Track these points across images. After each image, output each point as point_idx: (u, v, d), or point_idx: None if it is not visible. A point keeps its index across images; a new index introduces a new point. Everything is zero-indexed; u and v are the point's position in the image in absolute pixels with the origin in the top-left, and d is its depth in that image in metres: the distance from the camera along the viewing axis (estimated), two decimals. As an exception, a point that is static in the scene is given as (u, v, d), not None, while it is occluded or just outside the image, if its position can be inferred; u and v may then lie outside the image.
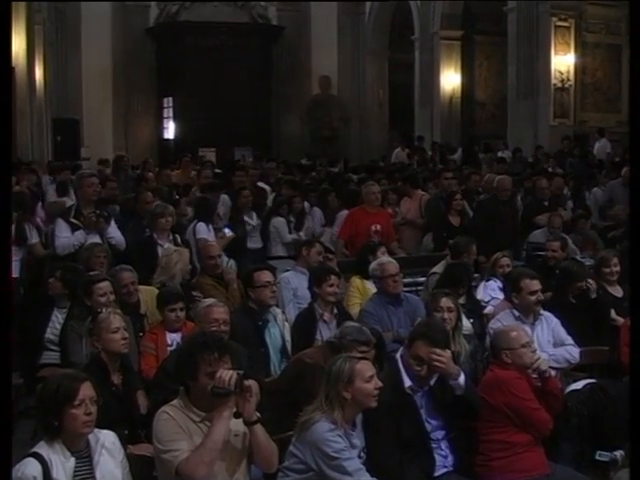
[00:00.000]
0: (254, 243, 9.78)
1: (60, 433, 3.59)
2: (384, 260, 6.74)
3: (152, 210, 8.26)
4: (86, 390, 3.61)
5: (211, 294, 6.72)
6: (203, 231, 8.67)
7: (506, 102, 19.59)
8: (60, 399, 3.56)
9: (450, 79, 21.87)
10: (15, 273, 7.91)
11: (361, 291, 7.23)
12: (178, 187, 11.91)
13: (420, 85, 22.19)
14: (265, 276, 6.21)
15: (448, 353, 4.62)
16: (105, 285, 5.97)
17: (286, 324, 6.34)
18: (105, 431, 3.81)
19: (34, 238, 8.10)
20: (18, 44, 16.59)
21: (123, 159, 14.09)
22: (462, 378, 4.61)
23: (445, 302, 5.72)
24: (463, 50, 22.13)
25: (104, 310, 5.26)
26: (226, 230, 9.23)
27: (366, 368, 4.28)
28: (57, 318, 6.31)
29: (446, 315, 5.65)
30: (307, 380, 5.04)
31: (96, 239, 7.60)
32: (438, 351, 4.53)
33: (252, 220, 9.81)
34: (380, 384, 4.28)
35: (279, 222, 9.91)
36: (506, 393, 4.70)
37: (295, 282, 7.27)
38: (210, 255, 7.32)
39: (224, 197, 10.34)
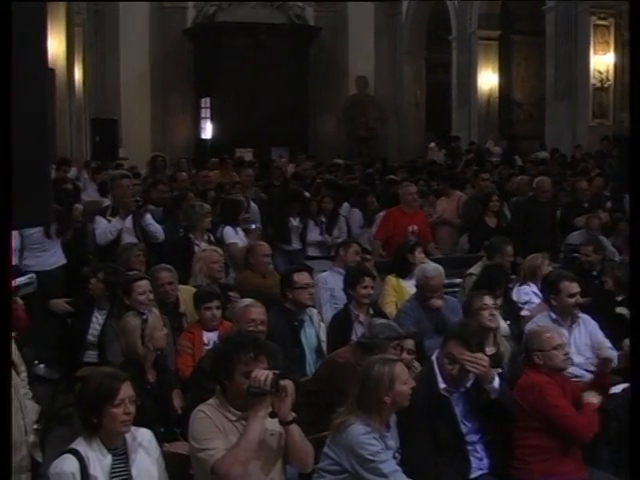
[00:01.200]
0: (294, 244, 9.75)
1: (98, 430, 3.62)
2: (429, 274, 6.48)
3: (190, 210, 8.31)
4: (126, 390, 3.64)
5: (256, 282, 6.87)
6: (231, 235, 8.65)
7: (544, 102, 19.44)
8: (101, 398, 3.59)
9: (488, 79, 21.75)
10: (61, 261, 8.03)
11: (396, 290, 7.20)
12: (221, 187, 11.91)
13: (457, 85, 22.09)
14: (304, 277, 6.21)
15: (483, 356, 4.59)
16: (144, 284, 5.99)
17: (322, 324, 6.34)
18: (142, 429, 3.84)
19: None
20: (57, 45, 16.76)
21: (158, 159, 14.18)
22: (497, 381, 4.58)
23: (489, 300, 5.67)
24: (501, 50, 21.99)
25: (147, 311, 5.29)
26: (253, 226, 9.22)
27: (403, 370, 4.28)
28: (97, 319, 6.35)
29: (493, 313, 5.61)
30: (339, 380, 5.04)
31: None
32: (474, 354, 4.50)
33: (295, 221, 9.74)
34: (414, 384, 4.27)
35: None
36: (537, 398, 4.66)
37: (332, 282, 7.26)
38: (265, 254, 7.39)
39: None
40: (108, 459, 3.62)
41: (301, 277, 6.19)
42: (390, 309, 6.86)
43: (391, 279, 7.31)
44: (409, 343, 5.34)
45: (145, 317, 5.03)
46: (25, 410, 3.80)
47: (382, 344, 4.98)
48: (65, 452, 3.59)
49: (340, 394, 4.87)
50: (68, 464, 3.52)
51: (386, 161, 18.71)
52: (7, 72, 2.45)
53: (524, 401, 4.69)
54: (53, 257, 7.89)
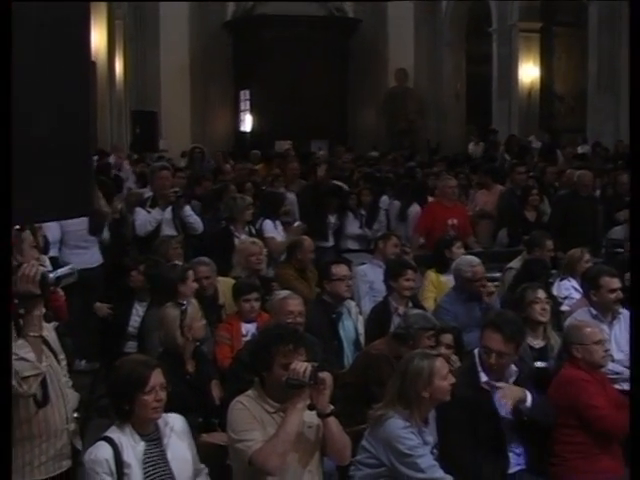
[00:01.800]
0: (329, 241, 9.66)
1: (131, 417, 3.65)
2: (475, 262, 6.52)
3: (232, 202, 8.34)
4: (157, 377, 3.66)
5: (293, 285, 6.83)
6: (269, 229, 8.66)
7: (586, 95, 19.19)
8: (132, 385, 3.62)
9: (529, 72, 21.53)
10: (99, 260, 8.13)
11: (435, 285, 7.18)
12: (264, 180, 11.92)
13: (498, 78, 21.88)
14: (342, 269, 6.23)
15: (512, 388, 4.54)
16: (191, 274, 6.06)
17: (360, 317, 6.34)
18: (173, 415, 3.86)
19: (106, 233, 8.30)
20: (99, 39, 16.92)
21: (196, 151, 14.24)
22: (529, 400, 4.54)
23: (542, 294, 5.62)
24: (542, 42, 21.74)
25: (186, 301, 5.33)
26: (297, 223, 9.22)
27: (443, 365, 4.26)
28: (137, 311, 6.41)
29: (544, 307, 5.57)
30: (374, 372, 5.06)
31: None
32: (502, 386, 4.45)
33: (332, 217, 9.65)
34: (453, 380, 4.25)
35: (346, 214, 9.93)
36: (574, 395, 4.61)
37: (371, 275, 7.26)
38: (311, 250, 7.45)
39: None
40: (141, 445, 3.65)
41: (339, 269, 6.20)
42: (429, 304, 6.84)
43: (431, 274, 7.29)
44: (447, 338, 5.32)
45: (184, 308, 5.06)
46: (66, 398, 3.85)
47: (416, 334, 4.99)
48: (99, 440, 3.63)
49: (375, 386, 4.90)
50: (102, 451, 3.56)
51: (433, 151, 18.33)
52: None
53: (561, 397, 4.65)
54: (93, 256, 7.99)
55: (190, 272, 6.06)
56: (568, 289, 6.97)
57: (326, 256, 8.90)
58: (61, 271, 3.50)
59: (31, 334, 3.42)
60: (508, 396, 4.46)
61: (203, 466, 3.93)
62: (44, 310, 3.52)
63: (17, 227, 3.65)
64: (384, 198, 10.59)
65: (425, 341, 5.05)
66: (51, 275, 3.39)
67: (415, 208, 9.88)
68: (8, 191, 2.53)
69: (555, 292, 6.97)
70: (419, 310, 5.47)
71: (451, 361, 4.96)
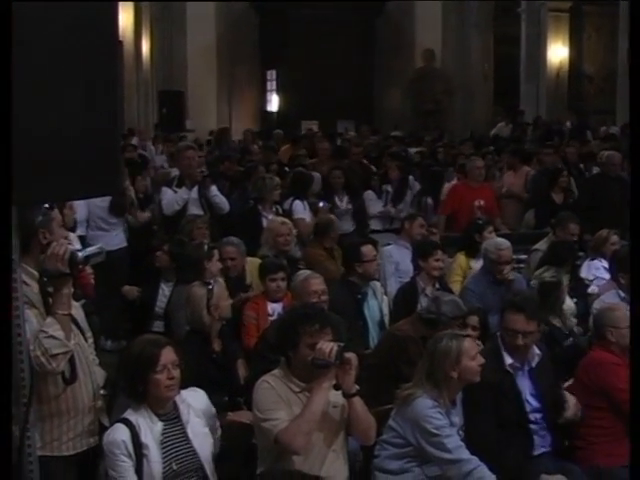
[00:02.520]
0: (344, 225, 9.24)
1: (146, 398, 3.66)
2: (502, 246, 6.49)
3: (261, 182, 8.34)
4: (167, 355, 3.65)
5: (325, 265, 6.91)
6: (300, 210, 8.65)
7: (616, 76, 18.96)
8: (142, 365, 3.62)
9: (557, 52, 21.31)
10: (123, 243, 8.19)
11: (464, 269, 7.15)
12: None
13: (526, 58, 21.68)
14: (371, 250, 6.25)
15: None
16: (216, 253, 6.09)
17: (385, 297, 6.34)
18: (192, 391, 3.86)
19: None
20: (125, 19, 16.96)
21: (223, 131, 14.26)
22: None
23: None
24: (571, 22, 21.49)
25: (212, 280, 5.34)
26: (321, 204, 9.19)
27: (472, 346, 4.25)
28: (163, 291, 6.44)
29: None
30: (398, 353, 5.06)
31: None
32: None
33: (342, 203, 9.38)
34: (483, 360, 4.25)
35: (368, 194, 9.89)
36: (603, 377, 4.59)
37: (397, 256, 7.25)
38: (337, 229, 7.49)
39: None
40: (159, 426, 3.65)
41: (368, 250, 6.21)
42: (456, 288, 6.82)
43: (460, 257, 7.25)
44: (473, 319, 5.31)
45: (211, 287, 5.08)
46: (93, 376, 3.87)
47: (448, 322, 4.98)
48: (117, 421, 3.65)
49: (405, 365, 4.90)
50: (119, 433, 3.57)
51: (474, 137, 18.11)
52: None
53: (589, 379, 4.63)
54: (115, 239, 8.04)
55: (216, 251, 6.08)
56: (598, 269, 6.91)
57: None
58: (90, 250, 3.51)
59: (60, 312, 3.44)
60: None
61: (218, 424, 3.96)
62: (72, 289, 3.55)
63: (46, 206, 3.68)
64: (409, 178, 10.55)
65: (455, 329, 5.05)
66: (80, 254, 3.40)
67: (428, 201, 9.86)
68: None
69: (584, 273, 6.92)
70: (451, 296, 5.44)
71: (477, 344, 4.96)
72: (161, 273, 6.53)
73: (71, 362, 3.61)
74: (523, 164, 10.56)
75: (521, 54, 21.94)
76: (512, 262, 6.53)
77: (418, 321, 5.22)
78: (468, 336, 4.38)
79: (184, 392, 3.78)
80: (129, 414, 3.65)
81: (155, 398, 3.66)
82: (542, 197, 9.51)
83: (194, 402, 3.81)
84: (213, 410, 3.95)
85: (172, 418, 3.72)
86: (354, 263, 6.16)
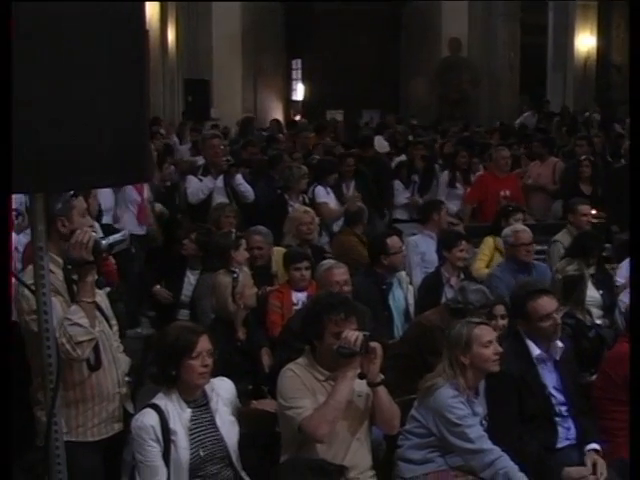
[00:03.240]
0: None
1: (177, 383, 3.67)
2: (518, 228, 6.61)
3: (288, 171, 8.35)
4: (204, 343, 3.67)
5: (359, 251, 6.98)
6: (322, 195, 8.67)
7: (644, 66, 18.75)
8: (178, 350, 3.63)
9: (585, 41, 21.12)
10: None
11: (492, 251, 7.17)
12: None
13: (553, 48, 21.52)
14: (398, 242, 6.25)
15: None
16: (243, 243, 6.11)
17: (410, 287, 6.34)
18: (220, 380, 3.88)
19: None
20: (152, 7, 16.97)
21: (247, 119, 14.27)
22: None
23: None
24: (600, 11, 21.28)
25: (238, 269, 5.36)
26: (351, 192, 9.16)
27: (484, 333, 4.23)
28: (189, 279, 6.45)
29: None
30: (426, 343, 5.05)
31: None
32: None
33: (348, 191, 9.18)
34: (500, 349, 4.23)
35: (395, 184, 9.92)
36: (627, 370, 4.55)
37: (423, 246, 7.24)
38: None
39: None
40: (187, 413, 3.67)
41: (394, 242, 6.20)
42: (478, 265, 6.88)
43: (489, 240, 7.27)
44: (499, 309, 5.29)
45: (236, 275, 5.09)
46: (117, 363, 3.90)
47: (475, 311, 4.97)
48: (146, 406, 3.67)
49: (427, 357, 4.90)
50: (148, 418, 3.59)
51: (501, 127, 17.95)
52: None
53: (615, 372, 4.59)
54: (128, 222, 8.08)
55: (243, 240, 6.10)
56: None
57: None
58: (113, 238, 3.52)
59: (84, 300, 3.46)
60: None
61: None
62: (97, 276, 3.56)
63: (71, 193, 3.69)
64: (436, 167, 10.53)
65: (482, 317, 5.05)
66: (104, 242, 3.41)
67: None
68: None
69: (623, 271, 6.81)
70: (478, 285, 5.43)
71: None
72: (187, 262, 6.54)
73: (96, 349, 3.63)
74: (550, 154, 10.50)
75: (548, 43, 21.78)
76: (532, 244, 6.53)
77: (445, 311, 5.22)
78: (484, 324, 4.35)
79: (213, 380, 3.79)
80: (159, 399, 3.67)
81: (186, 384, 3.68)
82: (570, 188, 9.45)
83: (222, 391, 3.83)
84: (237, 401, 3.96)
85: (201, 405, 3.74)
86: (380, 255, 6.15)
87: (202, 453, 3.65)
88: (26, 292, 3.31)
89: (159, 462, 3.57)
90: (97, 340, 3.60)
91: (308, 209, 7.32)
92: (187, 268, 6.50)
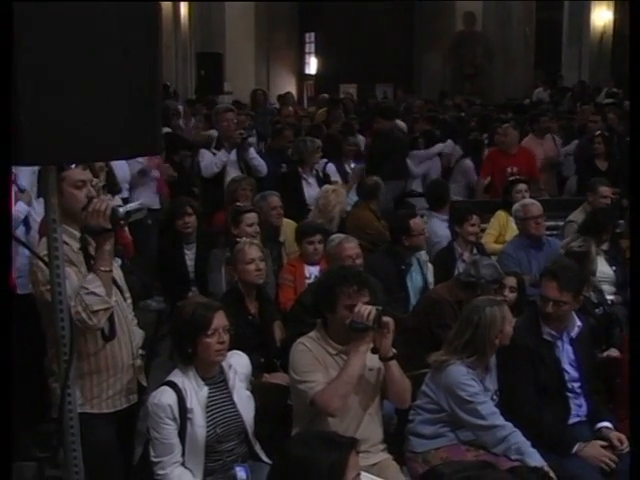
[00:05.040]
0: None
1: (194, 360, 3.67)
2: (527, 202, 6.61)
3: (302, 144, 8.32)
4: (219, 319, 3.66)
5: (375, 226, 7.04)
6: (333, 172, 8.65)
7: (662, 40, 18.55)
8: (194, 328, 3.63)
9: (601, 15, 20.89)
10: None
11: (502, 225, 7.16)
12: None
13: (569, 22, 21.30)
14: (420, 224, 6.26)
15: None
16: (253, 216, 6.09)
17: (430, 266, 6.32)
18: (235, 354, 3.88)
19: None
20: (164, -19, 16.88)
21: (258, 92, 14.20)
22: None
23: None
24: (617, -17, 21.07)
25: (242, 240, 5.37)
26: (352, 164, 9.10)
27: (509, 312, 4.26)
28: (187, 254, 6.42)
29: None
30: (434, 316, 5.06)
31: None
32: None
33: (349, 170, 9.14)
34: (513, 322, 4.25)
35: (411, 155, 9.92)
36: None
37: (440, 230, 7.15)
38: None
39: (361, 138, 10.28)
40: (204, 390, 3.68)
41: (416, 223, 6.18)
42: (487, 239, 6.88)
43: (501, 214, 7.26)
44: (511, 280, 5.31)
45: (237, 248, 5.13)
46: (132, 334, 3.90)
47: (487, 285, 4.98)
48: (163, 384, 3.67)
49: (438, 329, 4.91)
50: (166, 396, 3.60)
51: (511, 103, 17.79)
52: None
53: None
54: (142, 194, 8.09)
55: (245, 216, 6.06)
56: None
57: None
58: (130, 206, 3.51)
59: (102, 269, 3.43)
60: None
61: None
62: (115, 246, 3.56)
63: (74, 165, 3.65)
64: (449, 142, 10.49)
65: (492, 292, 5.08)
66: (121, 210, 3.40)
67: (467, 162, 9.79)
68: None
69: None
70: (490, 260, 5.44)
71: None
72: (182, 237, 6.44)
73: (110, 319, 3.63)
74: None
75: (564, 18, 21.55)
76: (541, 217, 6.51)
77: (457, 285, 5.23)
78: (504, 302, 4.37)
79: (229, 355, 3.79)
80: (176, 377, 3.67)
81: (203, 361, 3.68)
82: (586, 164, 9.40)
83: (239, 367, 3.83)
84: (250, 374, 3.97)
85: (218, 382, 3.75)
86: (402, 235, 6.13)
87: (219, 430, 3.67)
88: (40, 263, 3.30)
89: (174, 440, 3.59)
90: (112, 310, 3.59)
91: (339, 189, 7.33)
92: (183, 243, 6.43)
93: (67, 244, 3.49)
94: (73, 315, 3.31)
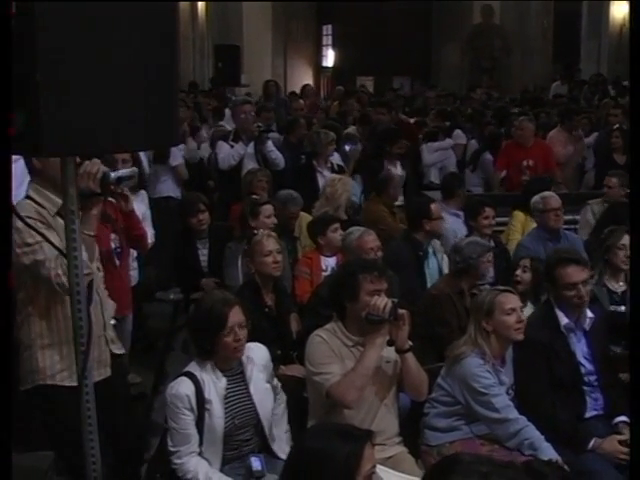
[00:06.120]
0: None
1: (212, 356, 3.69)
2: (547, 194, 6.58)
3: (316, 137, 8.31)
4: (235, 316, 3.65)
5: (387, 221, 7.01)
6: (337, 159, 8.64)
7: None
8: (211, 326, 3.63)
9: (621, 7, 20.72)
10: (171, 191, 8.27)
11: (523, 225, 7.12)
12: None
13: (588, 15, 21.16)
14: (439, 208, 6.31)
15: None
16: (269, 208, 6.10)
17: (445, 256, 6.32)
18: (255, 346, 3.87)
19: (178, 159, 8.38)
20: (182, -28, 16.88)
21: (270, 84, 14.18)
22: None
23: (628, 240, 5.49)
24: (637, -24, 20.89)
25: (260, 232, 5.37)
26: (347, 147, 9.06)
27: (507, 300, 4.20)
28: (200, 250, 6.40)
29: (628, 255, 5.44)
30: (433, 313, 5.07)
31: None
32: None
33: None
34: (523, 317, 4.22)
35: (425, 148, 9.94)
36: None
37: (452, 225, 7.13)
38: (400, 185, 7.52)
39: None
40: (223, 382, 3.69)
41: (436, 208, 6.24)
42: (513, 241, 6.87)
43: (519, 214, 7.19)
44: (525, 261, 5.33)
45: (255, 240, 5.13)
46: (104, 305, 3.87)
47: (477, 263, 5.03)
48: (181, 375, 3.68)
49: (439, 326, 4.92)
50: (184, 387, 3.61)
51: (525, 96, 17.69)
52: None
53: None
54: (164, 184, 8.12)
55: (263, 208, 6.07)
56: None
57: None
58: (122, 172, 3.48)
59: (86, 233, 3.34)
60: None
61: (283, 395, 3.97)
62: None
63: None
64: (457, 132, 10.47)
65: (486, 265, 5.17)
66: (112, 175, 3.37)
67: (487, 156, 9.76)
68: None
69: None
70: (468, 239, 5.47)
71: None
72: (194, 232, 6.44)
73: (89, 286, 3.55)
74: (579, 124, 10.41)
75: (583, 10, 21.41)
76: (560, 209, 6.49)
77: (452, 277, 5.28)
78: (508, 291, 4.33)
79: (248, 346, 3.79)
80: (194, 368, 3.68)
81: (222, 357, 3.69)
82: (604, 158, 9.35)
83: (257, 358, 3.84)
84: (272, 366, 3.98)
85: (236, 374, 3.76)
86: (422, 220, 6.15)
87: (237, 422, 3.69)
88: (19, 224, 3.22)
89: (192, 430, 3.60)
90: (92, 277, 3.51)
91: (345, 177, 7.37)
92: (195, 238, 6.43)
93: (44, 208, 3.48)
94: (53, 278, 3.28)
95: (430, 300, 5.23)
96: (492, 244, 6.24)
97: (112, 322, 3.97)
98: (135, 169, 3.77)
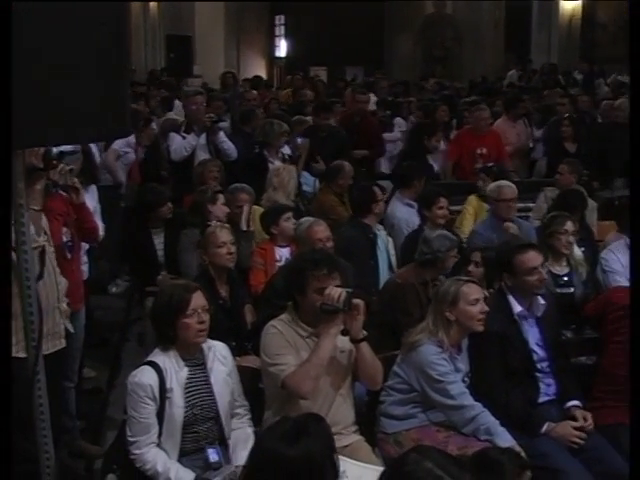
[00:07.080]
0: None
1: (175, 342, 3.68)
2: (503, 184, 6.63)
3: (268, 127, 8.28)
4: (198, 300, 3.67)
5: (338, 211, 7.08)
6: (287, 151, 8.64)
7: (629, 24, 18.63)
8: (173, 310, 3.63)
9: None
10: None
11: (476, 209, 7.18)
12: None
13: (538, 6, 21.36)
14: (380, 191, 6.50)
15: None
16: (222, 197, 6.11)
17: (390, 239, 6.42)
18: (218, 343, 3.89)
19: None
20: (132, -37, 16.73)
21: (227, 75, 14.14)
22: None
23: (570, 226, 5.63)
24: (585, -33, 21.14)
25: (213, 223, 5.35)
26: (299, 140, 8.99)
27: (471, 291, 4.23)
28: (155, 239, 6.36)
29: (570, 240, 5.60)
30: (397, 301, 5.09)
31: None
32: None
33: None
34: (486, 308, 4.24)
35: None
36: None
37: (405, 214, 7.15)
38: (351, 175, 7.54)
39: None
40: (184, 371, 3.68)
41: (378, 191, 6.38)
42: (465, 225, 6.95)
43: (473, 199, 7.27)
44: (475, 255, 5.36)
45: (208, 231, 5.12)
46: (58, 277, 3.83)
47: (445, 257, 5.09)
48: (144, 364, 3.66)
49: (401, 315, 4.94)
50: (147, 376, 3.59)
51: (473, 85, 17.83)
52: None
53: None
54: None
55: (220, 195, 6.07)
56: None
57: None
58: (65, 147, 3.50)
59: (32, 207, 3.35)
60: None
61: (245, 403, 3.96)
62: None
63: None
64: (397, 120, 10.54)
65: (451, 260, 5.21)
66: (55, 150, 3.38)
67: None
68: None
69: None
70: (438, 232, 5.51)
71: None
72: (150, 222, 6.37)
73: (41, 259, 3.53)
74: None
75: (533, 2, 21.61)
76: (513, 200, 6.57)
77: (417, 266, 5.29)
78: (472, 282, 4.37)
79: (211, 342, 3.81)
80: (156, 357, 3.67)
81: (184, 342, 3.68)
82: (555, 146, 9.46)
83: (219, 349, 3.84)
84: (233, 364, 3.96)
85: (198, 364, 3.75)
86: (371, 204, 6.27)
87: (196, 411, 3.67)
88: None
89: (152, 420, 3.59)
90: (44, 250, 3.51)
91: (289, 166, 7.38)
92: (150, 228, 6.37)
93: None
94: None
95: (394, 288, 5.25)
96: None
97: (65, 300, 3.93)
98: (78, 147, 3.76)
